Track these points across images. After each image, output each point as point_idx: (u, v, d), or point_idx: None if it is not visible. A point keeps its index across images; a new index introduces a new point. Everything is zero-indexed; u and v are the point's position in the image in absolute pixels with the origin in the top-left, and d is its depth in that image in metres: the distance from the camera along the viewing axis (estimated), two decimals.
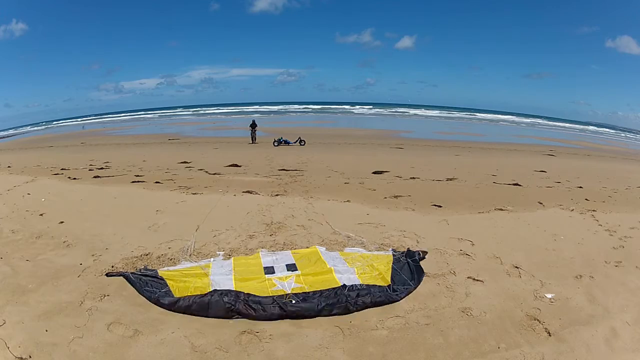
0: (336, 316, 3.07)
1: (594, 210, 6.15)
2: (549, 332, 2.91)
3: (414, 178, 8.71)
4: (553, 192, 7.72)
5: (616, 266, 4.08)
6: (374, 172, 9.34)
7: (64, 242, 4.45)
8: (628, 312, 3.21)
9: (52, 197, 6.56)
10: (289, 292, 3.28)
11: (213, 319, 3.03)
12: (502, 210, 6.10)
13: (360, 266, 3.76)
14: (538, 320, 3.06)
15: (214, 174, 9.01)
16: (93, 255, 4.10)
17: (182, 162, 10.67)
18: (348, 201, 6.40)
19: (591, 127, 47.71)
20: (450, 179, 8.70)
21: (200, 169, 9.64)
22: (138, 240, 4.51)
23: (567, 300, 3.36)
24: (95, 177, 8.66)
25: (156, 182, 7.85)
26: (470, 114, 52.51)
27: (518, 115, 53.64)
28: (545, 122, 50.14)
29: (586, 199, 6.96)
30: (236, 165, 10.18)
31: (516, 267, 3.94)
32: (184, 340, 2.77)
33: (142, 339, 2.77)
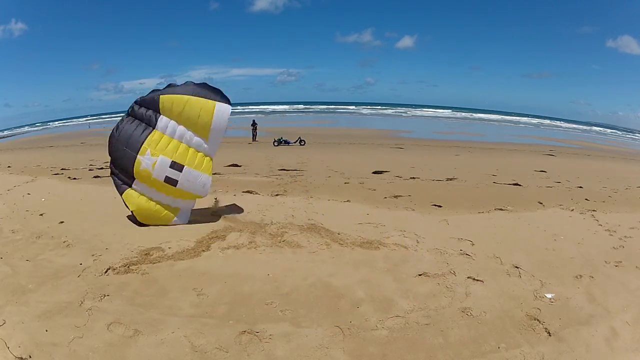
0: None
1: (594, 210, 6.15)
2: (549, 332, 2.92)
3: (414, 178, 8.71)
4: (553, 192, 7.73)
5: (616, 266, 4.08)
6: (374, 172, 9.35)
7: (64, 242, 4.45)
8: (628, 312, 3.21)
9: (52, 197, 6.56)
10: None
11: (214, 319, 3.04)
12: (502, 210, 6.10)
13: None
14: (538, 320, 3.06)
15: (214, 173, 8.99)
16: (93, 255, 4.10)
17: None
18: (348, 201, 6.40)
19: (596, 128, 47.66)
20: (450, 179, 8.70)
21: None
22: (138, 240, 4.51)
23: (567, 300, 3.36)
24: (95, 177, 8.66)
25: None
26: (470, 114, 52.50)
27: (518, 115, 53.61)
28: (546, 122, 50.14)
29: (586, 199, 6.96)
30: (236, 165, 10.18)
31: (516, 267, 3.95)
32: (184, 340, 2.77)
33: (142, 339, 2.78)
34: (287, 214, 5.56)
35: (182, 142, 4.63)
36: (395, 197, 6.76)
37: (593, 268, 3.99)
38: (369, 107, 58.20)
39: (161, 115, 4.57)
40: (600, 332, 2.94)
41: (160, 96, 4.54)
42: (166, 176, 4.57)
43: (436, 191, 7.38)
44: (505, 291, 3.50)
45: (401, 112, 53.14)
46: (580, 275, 3.81)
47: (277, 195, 6.75)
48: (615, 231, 5.14)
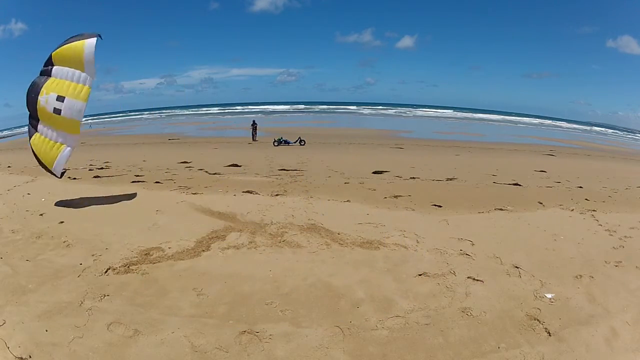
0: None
1: (594, 210, 6.15)
2: (549, 332, 2.92)
3: (414, 178, 8.71)
4: (553, 192, 7.72)
5: (616, 266, 4.08)
6: (374, 172, 9.35)
7: (64, 242, 4.45)
8: (628, 312, 3.21)
9: (52, 197, 6.56)
10: None
11: (214, 319, 3.04)
12: (502, 210, 6.09)
13: None
14: (538, 320, 3.06)
15: (214, 173, 9.01)
16: (93, 255, 4.10)
17: (182, 162, 10.68)
18: (348, 201, 6.40)
19: (596, 128, 47.61)
20: (450, 179, 8.70)
21: (200, 169, 9.65)
22: (138, 240, 4.51)
23: (567, 300, 3.36)
24: (95, 177, 8.67)
25: (156, 182, 7.86)
26: (470, 114, 52.49)
27: (518, 115, 53.60)
28: (546, 122, 50.13)
29: (586, 199, 6.96)
30: (236, 165, 10.18)
31: (516, 267, 3.95)
32: (184, 340, 2.77)
33: (142, 339, 2.78)
34: (287, 214, 5.56)
35: (66, 79, 5.81)
36: (395, 197, 6.76)
37: (593, 268, 3.99)
38: (369, 107, 58.16)
39: (54, 66, 5.88)
40: (600, 332, 2.94)
41: (52, 53, 5.86)
42: (54, 107, 5.74)
43: (436, 191, 7.38)
44: (505, 291, 3.50)
45: (401, 112, 53.13)
46: (580, 275, 3.81)
47: (277, 195, 6.75)
48: (615, 231, 5.14)
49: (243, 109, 55.85)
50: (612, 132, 45.77)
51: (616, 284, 3.68)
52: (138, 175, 8.70)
